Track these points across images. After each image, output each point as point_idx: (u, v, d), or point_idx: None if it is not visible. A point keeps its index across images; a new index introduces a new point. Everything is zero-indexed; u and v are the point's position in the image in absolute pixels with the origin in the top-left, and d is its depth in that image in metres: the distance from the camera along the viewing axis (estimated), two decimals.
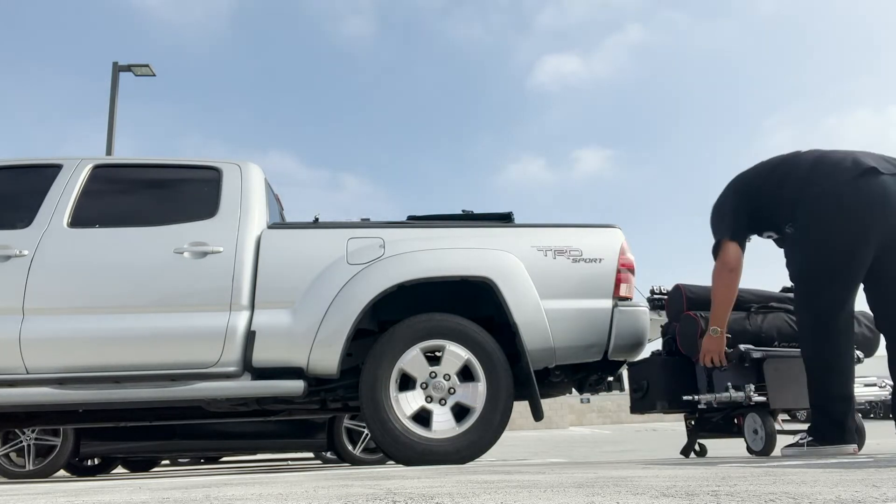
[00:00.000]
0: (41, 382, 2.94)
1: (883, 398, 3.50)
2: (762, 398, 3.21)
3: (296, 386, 3.01)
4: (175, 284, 3.05)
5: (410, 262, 3.14)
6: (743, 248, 3.11)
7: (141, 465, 7.15)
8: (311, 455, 9.08)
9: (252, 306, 3.09)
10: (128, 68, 11.87)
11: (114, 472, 6.76)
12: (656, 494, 1.31)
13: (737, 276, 3.09)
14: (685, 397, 3.35)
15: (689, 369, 3.48)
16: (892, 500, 1.13)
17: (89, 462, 6.12)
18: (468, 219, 3.63)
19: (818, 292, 2.87)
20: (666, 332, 3.76)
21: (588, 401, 25.82)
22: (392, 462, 4.32)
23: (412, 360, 3.07)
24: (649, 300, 3.86)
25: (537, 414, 3.13)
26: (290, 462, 8.98)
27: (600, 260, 3.28)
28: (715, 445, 3.93)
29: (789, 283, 3.14)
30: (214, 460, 8.60)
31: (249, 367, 3.05)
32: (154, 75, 11.97)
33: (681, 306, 3.54)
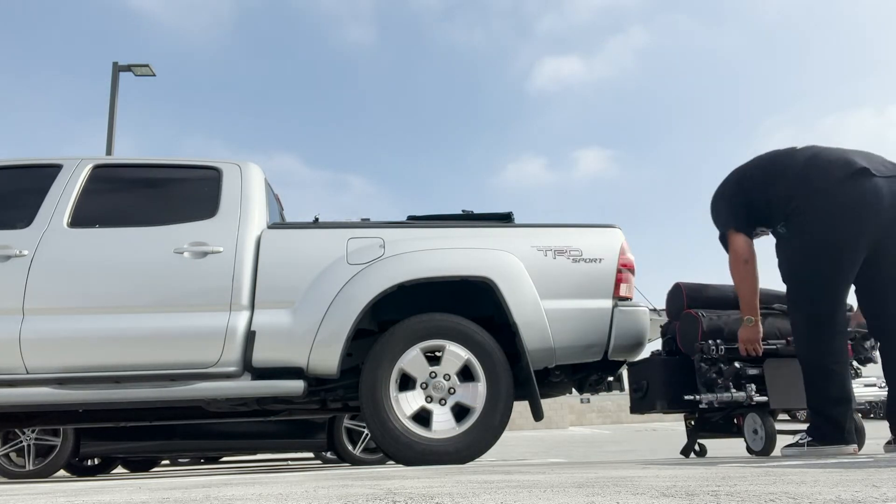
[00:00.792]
0: (41, 382, 2.94)
1: (882, 398, 3.49)
2: (763, 398, 3.21)
3: (296, 386, 3.01)
4: (175, 284, 3.05)
5: (410, 262, 3.14)
6: (750, 236, 3.10)
7: (141, 465, 7.15)
8: (311, 455, 9.10)
9: (252, 306, 3.09)
10: (128, 68, 11.88)
11: (114, 472, 6.76)
12: (656, 494, 1.31)
13: (753, 266, 3.07)
14: (687, 397, 3.35)
15: (689, 369, 3.48)
16: (892, 500, 1.13)
17: (89, 462, 6.13)
18: (468, 219, 3.63)
19: (810, 293, 2.87)
20: (665, 332, 3.76)
21: (588, 401, 25.82)
22: (392, 462, 4.33)
23: (412, 360, 3.07)
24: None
25: (537, 414, 3.13)
26: (290, 462, 8.98)
27: (600, 260, 3.28)
28: (715, 445, 3.93)
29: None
30: (214, 460, 8.60)
31: (249, 367, 3.05)
32: (154, 75, 11.98)
33: (681, 305, 3.54)
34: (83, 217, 3.20)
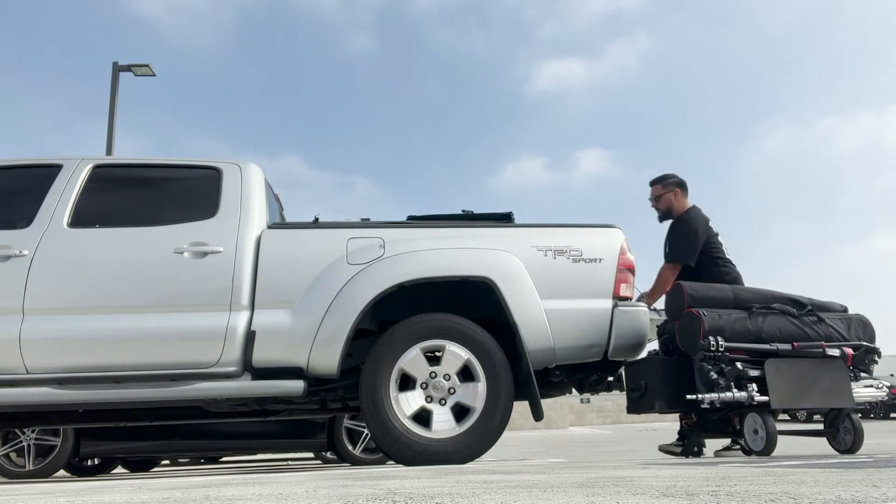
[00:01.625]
0: (41, 382, 2.94)
1: (881, 398, 3.50)
2: (764, 398, 3.21)
3: (296, 386, 3.01)
4: (175, 284, 3.05)
5: (410, 262, 3.14)
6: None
7: (141, 465, 7.14)
8: (311, 455, 9.08)
9: (252, 306, 3.09)
10: (128, 68, 11.86)
11: (114, 472, 6.76)
12: (656, 494, 1.31)
13: None
14: (689, 396, 3.34)
15: (688, 368, 3.48)
16: (892, 500, 1.13)
17: (89, 462, 6.12)
18: (468, 219, 3.63)
19: None
20: (663, 331, 3.76)
21: (588, 401, 25.80)
22: (392, 462, 4.32)
23: (412, 360, 3.07)
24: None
25: (537, 414, 3.13)
26: (290, 462, 8.97)
27: (600, 260, 3.28)
28: (715, 445, 3.94)
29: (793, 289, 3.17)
30: (214, 460, 8.60)
31: (249, 367, 3.05)
32: (154, 75, 11.96)
33: (682, 304, 3.54)
34: (83, 217, 3.20)
